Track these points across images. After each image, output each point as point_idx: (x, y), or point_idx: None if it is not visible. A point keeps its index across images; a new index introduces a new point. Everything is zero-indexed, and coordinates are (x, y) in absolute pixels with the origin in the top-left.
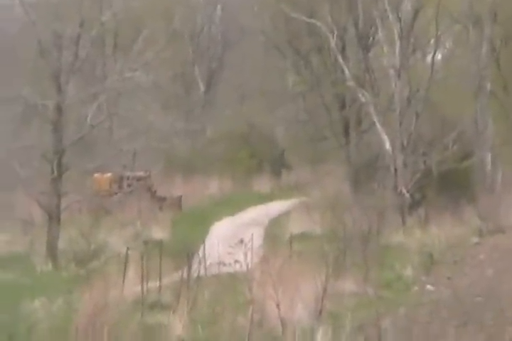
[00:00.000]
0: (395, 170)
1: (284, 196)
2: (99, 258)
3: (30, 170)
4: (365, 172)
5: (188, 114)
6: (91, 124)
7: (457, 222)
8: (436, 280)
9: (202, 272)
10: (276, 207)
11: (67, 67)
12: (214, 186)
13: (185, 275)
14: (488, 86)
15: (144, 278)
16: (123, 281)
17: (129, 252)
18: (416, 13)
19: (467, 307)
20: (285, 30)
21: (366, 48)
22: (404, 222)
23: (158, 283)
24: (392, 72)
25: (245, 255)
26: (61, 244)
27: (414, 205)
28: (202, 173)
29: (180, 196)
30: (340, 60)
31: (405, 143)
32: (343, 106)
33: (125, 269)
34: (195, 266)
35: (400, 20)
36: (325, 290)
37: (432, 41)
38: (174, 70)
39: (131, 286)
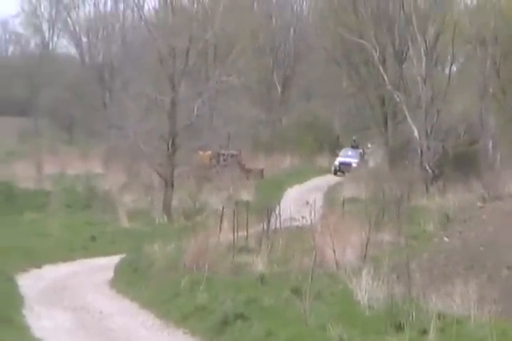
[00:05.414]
0: (421, 151)
1: None
2: (202, 214)
3: (151, 147)
4: (399, 153)
5: (269, 108)
6: (197, 114)
7: (466, 191)
8: (451, 234)
9: (277, 225)
10: (332, 178)
11: (179, 72)
12: (287, 162)
13: (265, 227)
14: (491, 90)
15: (234, 229)
16: (219, 231)
17: (224, 209)
18: (437, 36)
19: (473, 254)
20: (341, 47)
21: (401, 61)
22: (427, 190)
23: (245, 233)
24: (419, 79)
25: (310, 213)
26: (174, 203)
27: (435, 178)
28: (278, 152)
29: (262, 168)
30: (381, 70)
31: (429, 132)
32: (383, 104)
33: (221, 222)
34: (272, 221)
35: (425, 41)
36: (368, 239)
37: (449, 57)
38: (259, 76)
39: (225, 235)
